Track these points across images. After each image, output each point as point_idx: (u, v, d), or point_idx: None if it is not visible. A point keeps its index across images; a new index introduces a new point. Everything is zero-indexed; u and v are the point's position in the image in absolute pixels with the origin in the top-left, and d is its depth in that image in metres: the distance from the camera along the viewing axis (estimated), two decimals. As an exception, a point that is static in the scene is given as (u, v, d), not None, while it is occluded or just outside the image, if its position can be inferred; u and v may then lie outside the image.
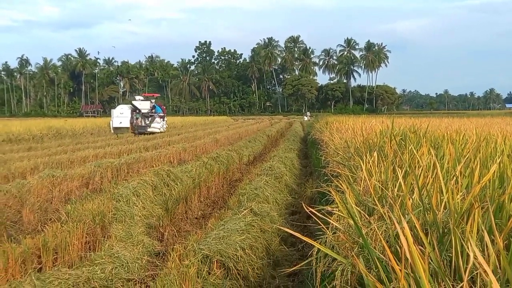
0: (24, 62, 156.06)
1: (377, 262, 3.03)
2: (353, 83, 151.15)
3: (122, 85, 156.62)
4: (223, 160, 16.14)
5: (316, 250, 4.08)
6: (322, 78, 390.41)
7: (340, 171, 7.53)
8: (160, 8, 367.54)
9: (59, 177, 11.90)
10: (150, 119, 37.02)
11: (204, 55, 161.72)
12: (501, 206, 3.69)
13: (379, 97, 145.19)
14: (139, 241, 7.94)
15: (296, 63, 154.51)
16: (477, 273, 2.76)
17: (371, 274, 3.11)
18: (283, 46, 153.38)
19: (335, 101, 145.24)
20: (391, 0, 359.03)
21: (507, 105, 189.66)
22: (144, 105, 36.96)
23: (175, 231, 9.04)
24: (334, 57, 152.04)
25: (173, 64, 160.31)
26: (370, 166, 6.01)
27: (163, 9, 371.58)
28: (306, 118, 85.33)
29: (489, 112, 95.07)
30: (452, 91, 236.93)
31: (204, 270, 6.19)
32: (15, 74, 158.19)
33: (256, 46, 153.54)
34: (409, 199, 4.22)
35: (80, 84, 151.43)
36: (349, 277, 3.54)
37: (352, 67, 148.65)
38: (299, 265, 4.24)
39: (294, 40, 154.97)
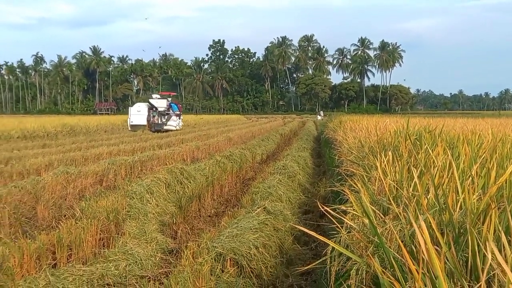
0: (39, 60, 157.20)
1: (393, 262, 3.02)
2: (367, 83, 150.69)
3: (136, 83, 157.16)
4: (236, 159, 16.14)
5: (331, 249, 4.07)
6: (336, 77, 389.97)
7: (354, 171, 7.51)
8: (174, 6, 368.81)
9: (73, 174, 11.95)
10: (166, 117, 37.73)
11: (217, 54, 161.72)
12: (518, 207, 3.65)
13: (393, 96, 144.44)
14: (152, 238, 7.97)
15: (310, 62, 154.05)
16: (493, 274, 2.73)
17: (386, 273, 3.10)
18: (297, 45, 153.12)
19: (348, 100, 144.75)
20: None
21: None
22: (160, 104, 37.83)
23: (188, 228, 9.05)
24: (348, 56, 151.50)
25: (187, 63, 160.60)
26: (385, 165, 5.98)
27: (177, 7, 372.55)
28: (319, 117, 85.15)
29: (504, 113, 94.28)
30: (467, 91, 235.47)
31: (217, 268, 6.19)
32: (30, 71, 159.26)
33: (270, 45, 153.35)
34: (425, 199, 4.20)
35: (94, 81, 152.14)
36: (363, 276, 3.53)
37: (366, 66, 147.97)
38: (313, 264, 4.23)
39: (308, 39, 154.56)
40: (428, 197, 4.38)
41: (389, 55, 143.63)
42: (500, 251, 3.07)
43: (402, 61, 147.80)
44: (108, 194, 9.78)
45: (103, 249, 7.34)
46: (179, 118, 39.63)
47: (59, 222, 8.11)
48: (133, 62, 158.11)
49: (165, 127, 37.21)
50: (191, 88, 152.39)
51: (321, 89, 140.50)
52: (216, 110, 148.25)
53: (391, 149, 7.48)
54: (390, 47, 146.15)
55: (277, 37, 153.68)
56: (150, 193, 10.05)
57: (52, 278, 5.89)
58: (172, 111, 38.52)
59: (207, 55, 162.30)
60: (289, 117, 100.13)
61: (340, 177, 9.12)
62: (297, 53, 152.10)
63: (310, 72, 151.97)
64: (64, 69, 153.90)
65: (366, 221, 3.93)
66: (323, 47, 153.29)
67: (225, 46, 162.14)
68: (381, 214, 4.40)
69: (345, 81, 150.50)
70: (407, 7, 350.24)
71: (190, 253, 6.36)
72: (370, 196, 4.96)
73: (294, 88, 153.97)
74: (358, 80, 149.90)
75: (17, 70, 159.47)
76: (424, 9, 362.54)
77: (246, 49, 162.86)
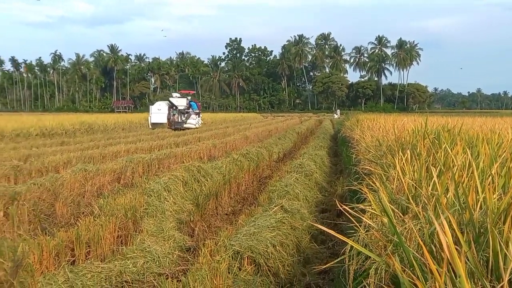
0: (57, 58, 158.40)
1: (413, 261, 3.00)
2: (384, 81, 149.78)
3: (153, 81, 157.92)
4: (253, 157, 16.15)
5: (349, 248, 4.06)
6: (353, 75, 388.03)
7: (372, 169, 7.48)
8: (192, 5, 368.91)
9: (91, 172, 12.04)
10: (186, 115, 38.40)
11: (234, 52, 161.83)
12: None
13: (410, 95, 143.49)
14: (170, 236, 8.00)
15: (327, 61, 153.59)
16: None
17: (405, 273, 3.08)
18: (313, 43, 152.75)
19: (365, 99, 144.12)
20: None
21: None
22: (181, 102, 38.70)
23: (205, 226, 9.07)
24: (365, 55, 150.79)
25: (204, 61, 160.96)
26: (403, 164, 5.95)
27: (195, 6, 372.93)
28: (336, 116, 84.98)
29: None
30: (485, 90, 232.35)
31: (235, 266, 6.20)
32: (48, 69, 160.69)
33: (286, 43, 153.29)
34: (444, 198, 4.17)
35: (112, 80, 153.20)
36: (382, 276, 3.52)
37: (383, 64, 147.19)
38: (332, 263, 4.22)
39: (325, 37, 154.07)
40: (448, 196, 4.35)
41: (406, 53, 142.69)
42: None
43: (419, 60, 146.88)
44: (126, 192, 9.83)
45: (121, 246, 7.37)
46: (199, 116, 40.42)
47: (78, 219, 8.17)
48: (150, 60, 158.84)
49: (185, 125, 37.91)
50: (208, 87, 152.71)
51: (338, 88, 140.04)
52: (233, 109, 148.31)
53: (409, 148, 7.44)
54: (408, 45, 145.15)
55: (294, 35, 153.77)
56: (167, 191, 10.10)
57: (71, 275, 5.94)
58: (192, 109, 39.30)
59: (223, 53, 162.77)
60: (306, 115, 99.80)
61: (357, 175, 9.08)
62: (314, 51, 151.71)
63: (327, 70, 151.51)
64: (82, 67, 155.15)
65: (385, 220, 3.91)
66: (340, 45, 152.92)
67: (241, 45, 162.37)
68: (400, 213, 4.38)
69: (362, 79, 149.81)
70: (425, 5, 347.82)
71: (207, 251, 6.37)
72: (388, 195, 4.93)
73: (310, 87, 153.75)
74: (375, 79, 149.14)
75: (36, 68, 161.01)
76: (443, 7, 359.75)
77: (263, 48, 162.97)
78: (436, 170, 4.87)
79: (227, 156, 16.18)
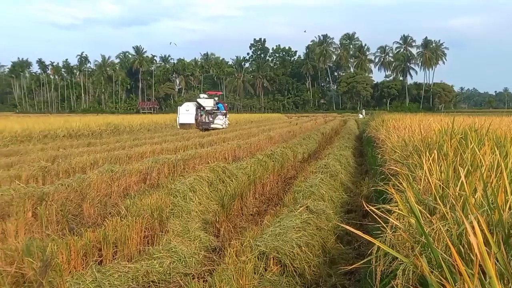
0: (83, 60, 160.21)
1: (442, 262, 2.97)
2: (409, 81, 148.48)
3: (178, 82, 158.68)
4: (277, 158, 16.14)
5: (376, 249, 4.04)
6: (378, 75, 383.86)
7: (398, 170, 7.43)
8: (218, 5, 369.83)
9: (117, 172, 12.14)
10: (213, 116, 39.10)
11: (258, 53, 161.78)
12: None
13: (436, 95, 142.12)
14: (195, 236, 8.04)
15: (351, 60, 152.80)
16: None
17: (433, 274, 3.06)
18: (338, 43, 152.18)
19: (390, 99, 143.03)
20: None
21: None
22: (208, 103, 39.59)
23: (231, 227, 9.09)
24: (390, 54, 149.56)
25: (228, 62, 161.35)
26: (430, 164, 5.90)
27: (220, 6, 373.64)
28: (361, 116, 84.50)
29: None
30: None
31: (260, 266, 6.21)
32: (74, 71, 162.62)
33: (311, 43, 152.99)
34: (472, 198, 4.13)
35: (137, 81, 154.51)
36: (410, 277, 3.49)
37: (408, 64, 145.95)
38: (359, 264, 4.20)
39: (349, 37, 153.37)
40: (476, 196, 4.30)
41: (432, 52, 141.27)
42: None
43: (445, 59, 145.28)
44: (152, 192, 9.88)
45: (148, 246, 7.43)
46: (225, 117, 41.11)
47: (105, 219, 8.23)
48: (175, 62, 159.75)
49: (212, 126, 38.48)
50: (232, 87, 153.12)
51: (363, 88, 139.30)
52: (257, 109, 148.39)
53: (436, 148, 7.37)
54: (433, 44, 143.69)
55: (318, 35, 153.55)
56: (193, 191, 10.15)
57: (99, 274, 6.02)
58: (219, 110, 39.97)
59: (248, 54, 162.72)
60: (330, 115, 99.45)
61: (382, 176, 9.03)
62: (339, 51, 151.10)
63: (352, 70, 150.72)
64: (108, 69, 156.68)
65: (413, 220, 3.88)
66: (365, 45, 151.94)
67: (266, 45, 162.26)
68: (427, 214, 4.34)
69: (387, 79, 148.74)
70: (451, 4, 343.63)
71: (233, 251, 6.38)
72: (415, 196, 4.89)
73: (335, 87, 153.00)
74: (401, 78, 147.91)
75: (63, 70, 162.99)
76: (468, 6, 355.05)
77: (287, 48, 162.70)
78: (463, 171, 4.82)
79: (251, 156, 16.20)
